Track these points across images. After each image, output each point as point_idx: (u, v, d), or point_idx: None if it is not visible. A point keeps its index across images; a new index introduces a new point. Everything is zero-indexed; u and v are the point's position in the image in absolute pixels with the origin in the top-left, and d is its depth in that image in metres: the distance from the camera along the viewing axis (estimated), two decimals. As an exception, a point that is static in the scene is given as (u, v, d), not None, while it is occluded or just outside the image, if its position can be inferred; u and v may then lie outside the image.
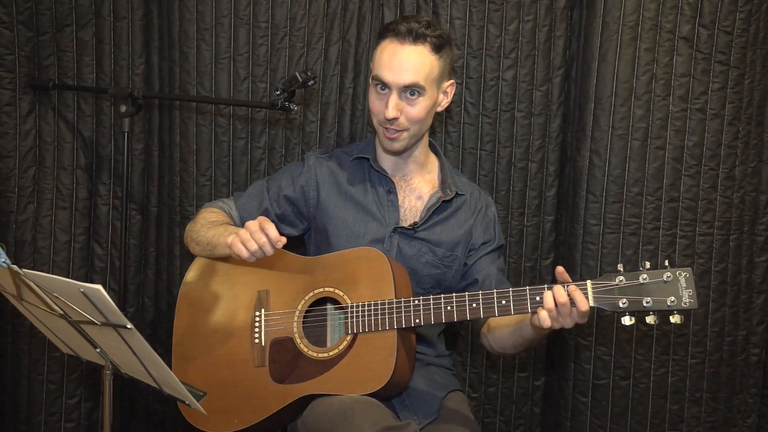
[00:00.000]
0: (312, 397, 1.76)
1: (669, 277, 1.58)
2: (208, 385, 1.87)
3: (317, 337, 1.85)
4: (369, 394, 1.71)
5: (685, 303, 1.57)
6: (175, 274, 2.35)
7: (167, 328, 2.37)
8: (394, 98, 1.83)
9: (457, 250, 1.98)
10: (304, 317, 1.85)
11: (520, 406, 2.41)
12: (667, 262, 1.61)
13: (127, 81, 2.32)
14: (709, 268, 2.30)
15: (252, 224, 1.73)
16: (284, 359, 1.82)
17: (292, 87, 2.01)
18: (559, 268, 1.66)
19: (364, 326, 1.76)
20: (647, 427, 2.32)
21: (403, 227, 1.95)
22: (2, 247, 1.48)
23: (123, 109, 2.08)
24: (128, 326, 1.42)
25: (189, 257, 2.31)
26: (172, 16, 2.26)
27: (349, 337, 1.77)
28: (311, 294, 1.84)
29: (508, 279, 2.09)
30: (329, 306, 1.88)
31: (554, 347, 2.39)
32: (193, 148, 2.31)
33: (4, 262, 1.44)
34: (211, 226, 1.94)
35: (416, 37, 1.81)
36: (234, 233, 1.79)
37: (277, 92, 2.04)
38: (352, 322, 1.77)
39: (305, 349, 1.81)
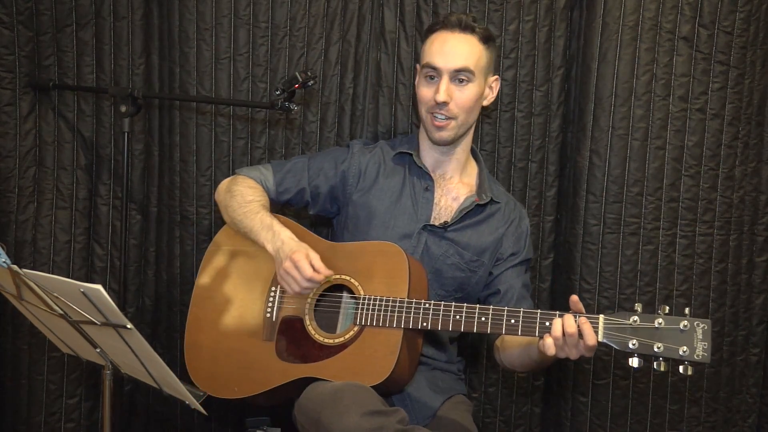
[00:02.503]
0: (311, 380, 1.77)
1: (686, 326, 1.53)
2: (215, 350, 1.91)
3: (328, 322, 1.86)
4: None
5: (697, 356, 1.52)
6: (175, 274, 2.35)
7: (167, 328, 2.37)
8: (445, 82, 1.89)
9: (484, 257, 1.98)
10: (319, 300, 1.87)
11: (520, 406, 2.41)
12: (687, 310, 1.56)
13: (127, 81, 2.32)
14: (709, 268, 2.30)
15: (290, 269, 1.75)
16: (291, 338, 1.84)
17: (292, 87, 2.02)
18: (574, 297, 1.64)
19: (372, 320, 1.76)
20: (647, 427, 2.32)
21: (433, 225, 1.95)
22: (2, 247, 1.48)
23: (123, 109, 2.08)
24: (128, 326, 1.42)
25: (189, 257, 2.32)
26: (172, 16, 2.26)
27: (356, 328, 1.78)
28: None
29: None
30: (345, 294, 1.88)
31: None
32: (193, 148, 2.31)
33: (4, 262, 1.44)
34: (248, 212, 1.92)
35: (465, 27, 1.90)
36: (271, 241, 1.82)
37: (277, 92, 2.05)
38: (361, 314, 1.78)
39: (312, 332, 1.83)
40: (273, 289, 1.91)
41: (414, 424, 1.79)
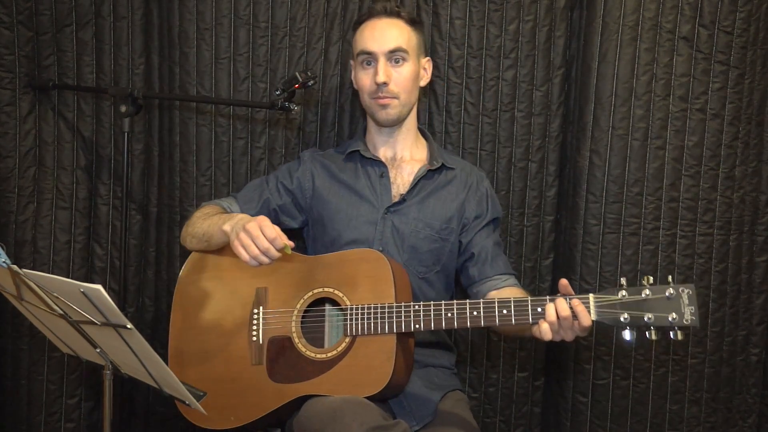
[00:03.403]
0: (308, 397, 1.75)
1: (671, 293, 1.58)
2: (204, 381, 1.87)
3: (314, 337, 1.84)
4: (365, 398, 1.71)
5: (686, 320, 1.57)
6: (175, 274, 2.34)
7: (167, 328, 2.36)
8: (382, 64, 1.94)
9: (452, 223, 2.01)
10: (302, 316, 1.85)
11: (520, 406, 2.41)
12: (670, 278, 1.60)
13: (127, 81, 2.32)
14: (709, 268, 2.30)
15: (253, 228, 1.71)
16: (282, 358, 1.82)
17: (292, 87, 2.02)
18: (563, 281, 1.66)
19: (363, 329, 1.75)
20: (647, 427, 2.32)
21: (394, 204, 1.98)
22: (2, 247, 1.48)
23: (123, 109, 2.08)
24: (128, 326, 1.42)
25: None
26: (172, 16, 2.26)
27: (347, 339, 1.77)
28: (310, 293, 1.84)
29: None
30: (328, 306, 1.87)
31: (554, 347, 2.38)
32: (193, 148, 2.31)
33: (4, 262, 1.44)
34: (206, 218, 1.95)
35: (391, 13, 1.99)
36: (229, 221, 1.81)
37: (277, 92, 2.06)
38: (351, 325, 1.76)
39: (303, 349, 1.80)
40: (255, 311, 1.87)
41: (415, 424, 1.80)
